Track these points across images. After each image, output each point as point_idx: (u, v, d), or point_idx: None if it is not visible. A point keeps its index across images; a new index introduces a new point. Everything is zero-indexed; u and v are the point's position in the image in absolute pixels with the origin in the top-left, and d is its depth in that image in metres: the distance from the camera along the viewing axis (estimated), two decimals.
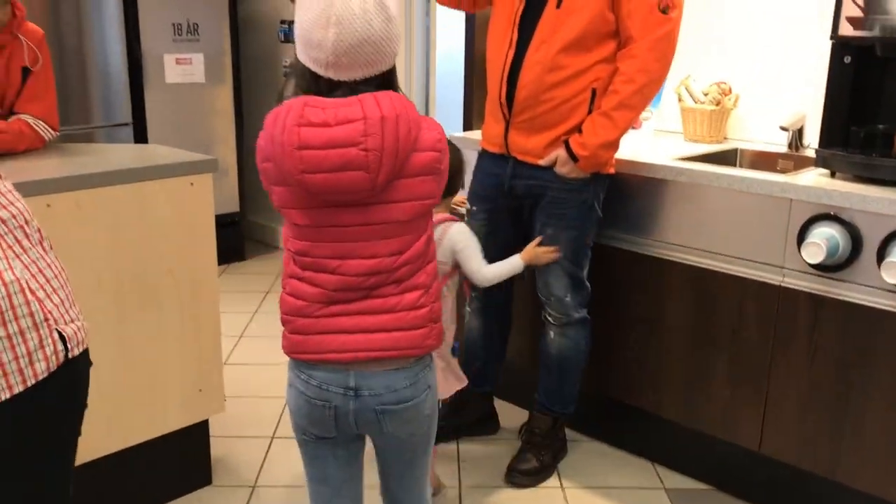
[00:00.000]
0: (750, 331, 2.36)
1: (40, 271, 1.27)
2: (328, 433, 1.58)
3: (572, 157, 2.27)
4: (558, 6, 2.24)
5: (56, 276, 1.30)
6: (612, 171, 2.42)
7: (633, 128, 3.03)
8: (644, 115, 3.00)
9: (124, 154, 2.50)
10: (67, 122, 3.95)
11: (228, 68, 4.56)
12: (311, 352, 1.53)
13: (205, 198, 2.38)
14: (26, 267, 1.25)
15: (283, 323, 1.57)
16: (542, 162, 2.33)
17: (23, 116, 2.38)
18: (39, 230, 1.32)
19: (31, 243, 1.28)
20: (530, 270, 2.43)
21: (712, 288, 2.41)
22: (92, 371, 1.38)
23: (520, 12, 2.31)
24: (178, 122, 4.40)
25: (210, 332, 2.45)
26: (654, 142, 2.90)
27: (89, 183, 2.12)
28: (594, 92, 2.27)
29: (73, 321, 1.30)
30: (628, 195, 2.53)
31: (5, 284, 1.18)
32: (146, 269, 2.27)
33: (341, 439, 1.60)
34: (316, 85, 1.46)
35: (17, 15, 2.36)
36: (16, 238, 1.26)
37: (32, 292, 1.23)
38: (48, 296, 1.26)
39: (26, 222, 1.29)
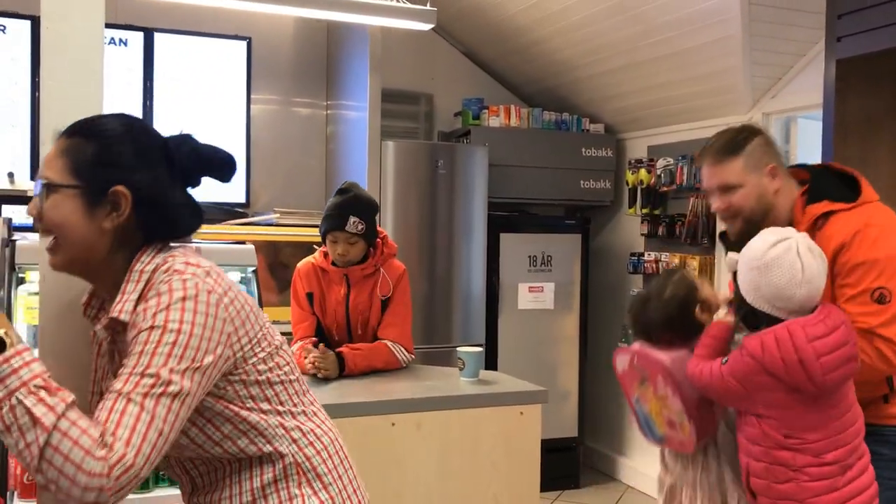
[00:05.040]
0: None
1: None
2: None
3: None
4: None
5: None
6: None
7: None
8: None
9: (464, 380, 2.69)
10: (431, 341, 4.43)
11: (577, 296, 4.79)
12: None
13: (533, 427, 2.47)
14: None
15: None
16: None
17: (383, 340, 2.75)
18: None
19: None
20: None
21: None
22: None
23: None
24: (526, 345, 4.67)
25: None
26: None
27: (429, 406, 2.34)
28: (891, 381, 1.96)
29: None
30: None
31: None
32: (472, 492, 2.37)
33: None
34: (754, 317, 1.79)
35: (384, 252, 2.78)
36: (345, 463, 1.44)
37: None
38: None
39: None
